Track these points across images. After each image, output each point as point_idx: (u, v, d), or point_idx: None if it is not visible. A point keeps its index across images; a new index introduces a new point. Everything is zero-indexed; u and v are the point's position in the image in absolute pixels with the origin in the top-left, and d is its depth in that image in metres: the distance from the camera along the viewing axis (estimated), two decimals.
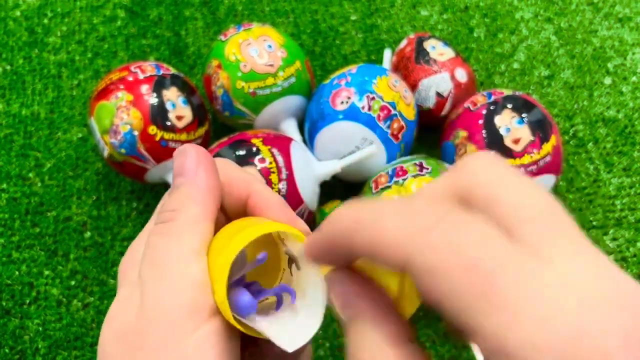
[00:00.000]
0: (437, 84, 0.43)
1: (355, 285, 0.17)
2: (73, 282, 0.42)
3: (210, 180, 0.20)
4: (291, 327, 0.18)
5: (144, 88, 0.39)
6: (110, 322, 0.18)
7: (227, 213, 0.20)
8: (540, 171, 0.38)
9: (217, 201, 0.20)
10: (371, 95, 0.39)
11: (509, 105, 0.39)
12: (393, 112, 0.39)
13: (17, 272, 0.42)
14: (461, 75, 0.44)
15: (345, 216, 0.16)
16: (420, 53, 0.44)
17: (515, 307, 0.13)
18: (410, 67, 0.44)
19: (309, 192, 0.38)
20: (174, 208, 0.19)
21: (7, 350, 0.39)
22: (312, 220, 0.40)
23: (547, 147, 0.38)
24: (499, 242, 0.14)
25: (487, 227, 0.14)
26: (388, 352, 0.15)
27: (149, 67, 0.41)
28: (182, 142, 0.40)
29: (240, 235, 0.18)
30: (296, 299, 0.19)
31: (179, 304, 0.17)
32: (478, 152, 0.17)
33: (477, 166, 0.16)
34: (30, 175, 0.46)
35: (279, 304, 0.19)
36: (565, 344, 0.12)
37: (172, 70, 0.42)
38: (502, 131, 0.38)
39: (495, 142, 0.38)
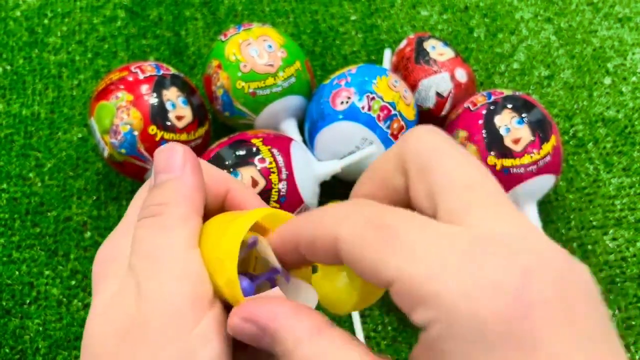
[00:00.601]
0: (437, 84, 0.43)
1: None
2: (73, 282, 0.42)
3: (197, 178, 0.20)
4: None
5: (144, 88, 0.39)
6: (100, 317, 0.18)
7: (205, 210, 0.21)
8: (540, 171, 0.38)
9: (203, 199, 0.20)
10: (371, 96, 0.39)
11: (509, 105, 0.39)
12: (393, 112, 0.39)
13: (17, 272, 0.42)
14: (461, 75, 0.44)
15: (296, 219, 0.18)
16: (420, 53, 0.44)
17: (411, 249, 0.14)
18: (410, 67, 0.44)
19: (309, 192, 0.38)
20: (161, 202, 0.19)
21: (7, 350, 0.39)
22: None
23: (547, 147, 0.38)
24: (409, 212, 0.15)
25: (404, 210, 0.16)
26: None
27: (149, 67, 0.41)
28: (182, 142, 0.40)
29: (242, 218, 0.18)
30: (289, 291, 0.19)
31: (180, 295, 0.17)
32: (420, 125, 0.18)
33: (415, 137, 0.17)
34: (31, 175, 0.46)
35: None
36: (458, 279, 0.13)
37: (172, 71, 0.42)
38: (502, 131, 0.38)
39: (495, 142, 0.38)
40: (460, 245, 0.14)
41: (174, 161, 0.20)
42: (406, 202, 0.17)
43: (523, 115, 0.39)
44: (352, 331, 0.40)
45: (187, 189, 0.19)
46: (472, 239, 0.14)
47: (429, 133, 0.17)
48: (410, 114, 0.41)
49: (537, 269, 0.13)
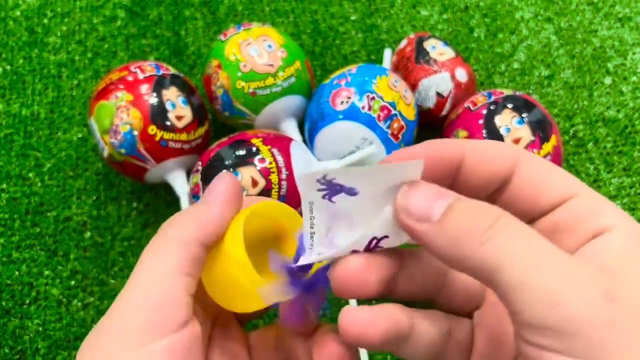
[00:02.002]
0: (437, 83, 0.43)
1: None
2: (73, 282, 0.42)
3: (226, 208, 0.20)
4: None
5: (144, 88, 0.39)
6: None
7: None
8: None
9: (217, 229, 0.20)
10: (371, 95, 0.39)
11: (509, 105, 0.39)
12: (393, 112, 0.39)
13: (17, 272, 0.42)
14: (461, 75, 0.44)
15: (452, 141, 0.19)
16: (420, 53, 0.44)
17: None
18: (410, 67, 0.44)
19: None
20: (171, 222, 0.20)
21: (7, 350, 0.39)
22: None
23: (547, 147, 0.38)
24: None
25: None
26: None
27: (149, 67, 0.41)
28: (182, 142, 0.40)
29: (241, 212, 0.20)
30: None
31: (132, 317, 0.18)
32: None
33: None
34: (30, 175, 0.46)
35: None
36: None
37: (172, 70, 0.42)
38: (502, 131, 0.38)
39: None
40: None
41: (214, 189, 0.21)
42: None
43: (523, 115, 0.39)
44: None
45: (201, 215, 0.20)
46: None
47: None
48: (411, 113, 0.41)
49: None
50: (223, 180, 0.21)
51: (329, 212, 0.18)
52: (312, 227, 0.18)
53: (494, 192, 0.19)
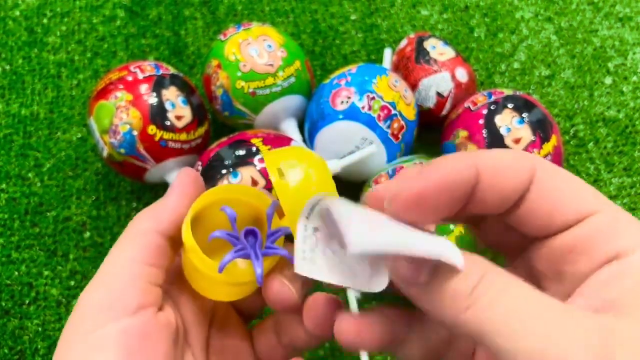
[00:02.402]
0: (437, 83, 0.43)
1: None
2: (72, 282, 0.42)
3: (181, 200, 0.21)
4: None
5: (144, 88, 0.39)
6: None
7: None
8: None
9: (175, 219, 0.21)
10: (371, 95, 0.39)
11: (510, 105, 0.39)
12: (393, 112, 0.39)
13: (16, 273, 0.42)
14: (461, 75, 0.43)
15: (459, 160, 0.17)
16: (421, 53, 0.44)
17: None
18: (411, 67, 0.44)
19: None
20: (134, 217, 0.22)
21: (6, 351, 0.39)
22: None
23: (548, 147, 0.38)
24: None
25: None
26: None
27: (149, 67, 0.41)
28: (182, 142, 0.40)
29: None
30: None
31: (90, 304, 0.19)
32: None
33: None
34: (30, 175, 0.46)
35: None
36: None
37: (172, 70, 0.42)
38: (502, 131, 0.38)
39: (495, 142, 0.38)
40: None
41: (173, 184, 0.22)
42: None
43: (523, 115, 0.38)
44: None
45: (158, 208, 0.21)
46: None
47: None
48: (411, 113, 0.41)
49: None
50: (181, 174, 0.22)
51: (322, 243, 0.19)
52: (305, 242, 0.19)
53: (509, 210, 0.17)
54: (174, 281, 0.22)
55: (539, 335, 0.14)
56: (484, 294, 0.15)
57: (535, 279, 0.18)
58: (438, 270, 0.15)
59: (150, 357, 0.19)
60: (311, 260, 0.18)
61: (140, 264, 0.20)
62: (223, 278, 0.20)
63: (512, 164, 0.17)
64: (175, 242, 0.21)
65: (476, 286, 0.15)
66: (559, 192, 0.16)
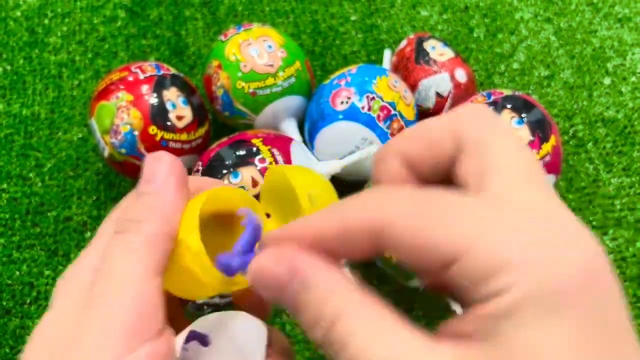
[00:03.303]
0: (437, 84, 0.43)
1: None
2: None
3: (178, 194, 0.19)
4: None
5: (144, 88, 0.39)
6: (40, 330, 0.18)
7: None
8: None
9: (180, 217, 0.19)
10: (371, 96, 0.39)
11: (509, 106, 0.39)
12: (393, 112, 0.39)
13: (17, 272, 0.42)
14: (461, 75, 0.44)
15: (316, 215, 0.16)
16: (420, 53, 0.44)
17: (478, 220, 0.14)
18: (410, 67, 0.44)
19: None
20: (137, 218, 0.18)
21: (7, 350, 0.39)
22: None
23: (547, 147, 0.38)
24: (449, 191, 0.15)
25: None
26: None
27: (149, 67, 0.41)
28: (183, 142, 0.40)
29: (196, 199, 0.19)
30: None
31: (120, 324, 0.17)
32: (477, 104, 0.18)
33: (474, 113, 0.17)
34: (31, 175, 0.46)
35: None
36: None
37: (172, 71, 0.42)
38: None
39: None
40: (523, 216, 0.14)
41: (158, 172, 0.19)
42: (445, 169, 0.17)
43: (523, 115, 0.39)
44: None
45: (164, 206, 0.18)
46: (533, 214, 0.14)
47: (487, 112, 0.17)
48: (410, 114, 0.41)
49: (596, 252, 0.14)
50: (164, 162, 0.19)
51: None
52: None
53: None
54: None
55: None
56: (331, 345, 0.14)
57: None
58: (299, 305, 0.15)
59: None
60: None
61: (156, 276, 0.18)
62: (219, 283, 0.18)
63: (351, 227, 0.15)
64: None
65: (325, 335, 0.14)
66: (418, 239, 0.15)
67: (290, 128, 0.43)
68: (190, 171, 0.41)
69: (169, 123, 0.39)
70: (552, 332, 0.13)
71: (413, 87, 0.44)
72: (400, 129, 0.40)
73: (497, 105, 0.39)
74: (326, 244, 0.16)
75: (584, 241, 0.14)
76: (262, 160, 0.36)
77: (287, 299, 0.15)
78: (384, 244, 0.15)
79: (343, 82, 0.40)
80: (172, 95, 0.40)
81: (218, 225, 0.21)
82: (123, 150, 0.39)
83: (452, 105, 0.44)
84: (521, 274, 0.13)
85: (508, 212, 0.14)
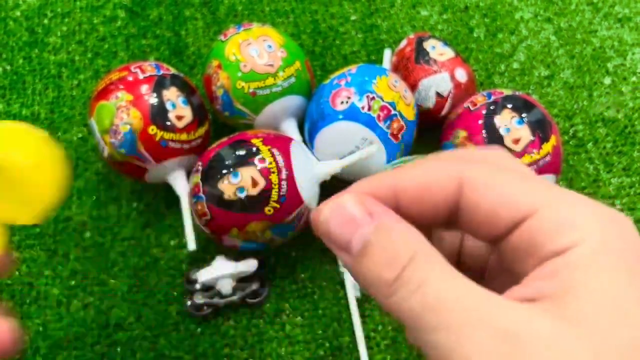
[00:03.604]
0: (437, 84, 0.43)
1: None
2: (73, 282, 0.42)
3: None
4: None
5: (144, 88, 0.39)
6: None
7: None
8: (540, 171, 0.38)
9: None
10: (371, 95, 0.39)
11: (509, 105, 0.39)
12: (393, 112, 0.39)
13: (17, 272, 0.42)
14: (461, 75, 0.44)
15: (389, 172, 0.17)
16: (420, 53, 0.44)
17: (548, 184, 0.16)
18: (410, 67, 0.44)
19: (309, 192, 0.38)
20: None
21: None
22: None
23: (547, 147, 0.38)
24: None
25: None
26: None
27: (149, 67, 0.41)
28: (182, 142, 0.40)
29: None
30: None
31: None
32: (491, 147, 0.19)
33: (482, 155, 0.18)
34: None
35: None
36: None
37: (172, 70, 0.42)
38: (501, 131, 0.38)
39: (495, 142, 0.38)
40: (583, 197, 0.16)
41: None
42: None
43: (523, 115, 0.39)
44: (351, 331, 0.40)
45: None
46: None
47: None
48: (410, 114, 0.41)
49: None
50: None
51: None
52: None
53: (450, 219, 0.17)
54: None
55: (450, 332, 0.14)
56: (404, 285, 0.15)
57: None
58: (367, 246, 0.16)
59: None
60: None
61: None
62: None
63: (433, 177, 0.17)
64: None
65: (399, 276, 0.15)
66: (493, 196, 0.16)
67: (290, 128, 0.43)
68: (189, 171, 0.41)
69: (168, 123, 0.39)
70: (633, 284, 0.14)
71: (413, 87, 0.44)
72: (401, 128, 0.40)
73: (497, 105, 0.39)
74: (404, 197, 0.17)
75: (624, 217, 0.16)
76: (262, 160, 0.36)
77: (356, 241, 0.16)
78: (462, 201, 0.16)
79: (343, 82, 0.40)
80: (172, 95, 0.40)
81: None
82: (123, 150, 0.39)
83: (453, 105, 0.44)
84: (592, 230, 0.15)
85: (570, 193, 0.16)
